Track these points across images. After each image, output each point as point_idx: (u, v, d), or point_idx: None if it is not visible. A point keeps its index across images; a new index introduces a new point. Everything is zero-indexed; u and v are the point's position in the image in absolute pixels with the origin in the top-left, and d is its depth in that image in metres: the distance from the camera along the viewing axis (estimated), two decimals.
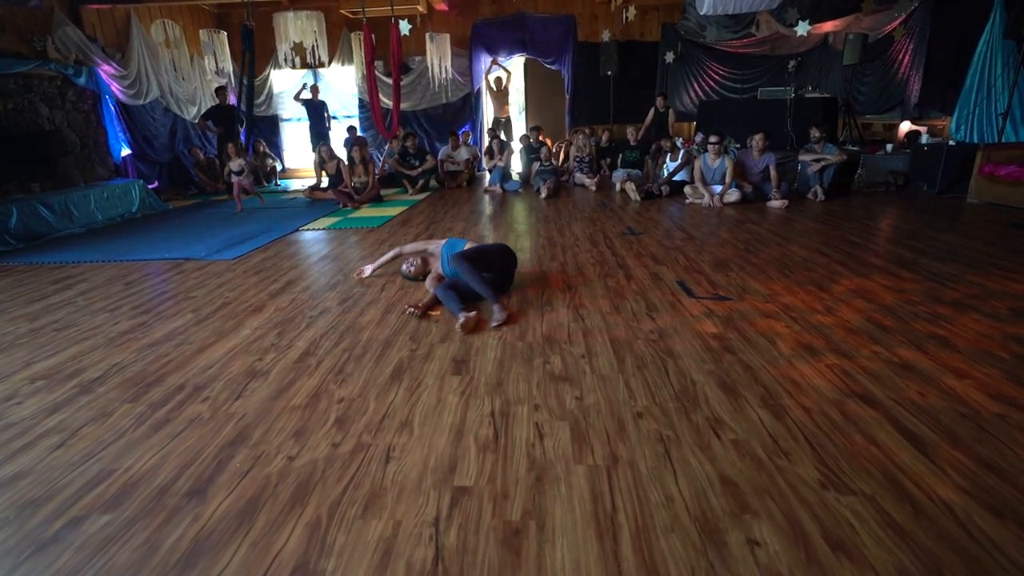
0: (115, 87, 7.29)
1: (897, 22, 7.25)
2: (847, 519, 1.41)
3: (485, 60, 9.41)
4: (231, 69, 9.24)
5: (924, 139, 6.42)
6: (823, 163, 6.11)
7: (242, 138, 8.60)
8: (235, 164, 7.02)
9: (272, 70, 9.74)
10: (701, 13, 5.98)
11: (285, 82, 10.04)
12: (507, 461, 1.71)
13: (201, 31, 8.65)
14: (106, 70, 7.09)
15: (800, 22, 7.08)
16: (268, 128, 9.96)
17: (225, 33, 8.99)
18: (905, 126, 7.47)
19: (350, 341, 2.68)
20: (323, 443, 1.84)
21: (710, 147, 6.07)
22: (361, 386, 2.22)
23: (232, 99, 9.50)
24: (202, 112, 8.55)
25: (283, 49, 7.97)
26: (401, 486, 1.61)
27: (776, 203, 5.77)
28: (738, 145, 7.06)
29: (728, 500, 1.51)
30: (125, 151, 7.51)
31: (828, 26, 8.02)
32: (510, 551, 1.37)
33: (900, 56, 7.39)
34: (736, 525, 1.42)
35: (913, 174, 6.48)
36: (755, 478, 1.59)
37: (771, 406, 1.97)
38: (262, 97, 9.72)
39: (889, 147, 6.77)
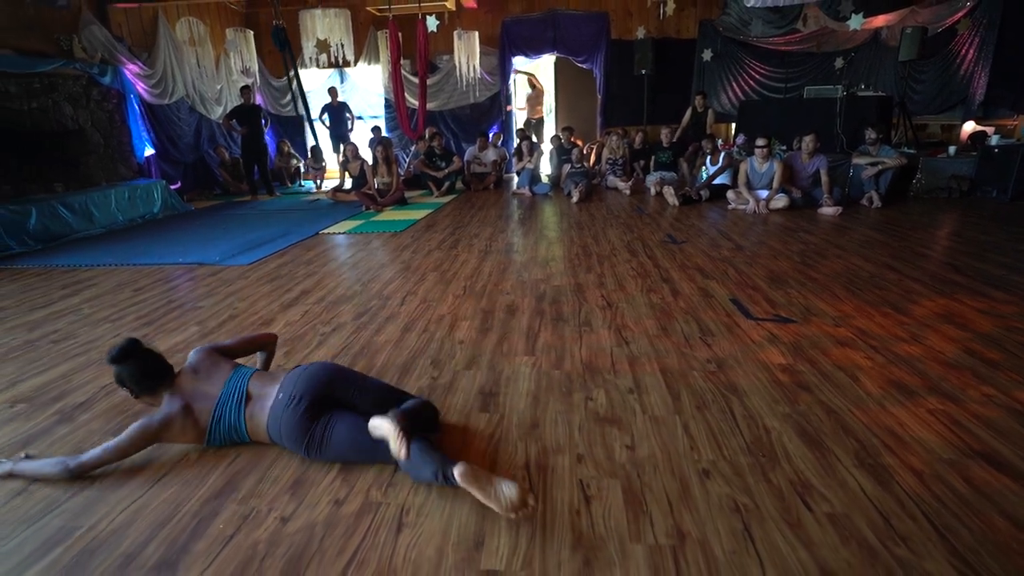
0: (140, 86, 7.18)
1: (961, 13, 6.69)
2: None
3: (514, 59, 9.10)
4: (257, 68, 9.13)
5: (994, 140, 5.87)
6: (880, 167, 5.62)
7: (268, 137, 8.46)
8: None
9: (298, 69, 9.58)
10: (748, 5, 5.55)
11: (311, 81, 9.88)
12: (547, 534, 1.38)
13: (228, 29, 8.53)
14: (131, 69, 6.99)
15: (854, 15, 6.59)
16: (292, 128, 9.81)
17: (252, 32, 8.87)
18: (969, 126, 6.90)
19: (364, 365, 2.38)
20: (324, 500, 1.53)
21: (757, 151, 5.64)
22: None
23: (259, 99, 9.38)
24: (227, 112, 8.43)
25: (308, 47, 7.79)
26: (415, 567, 1.29)
27: (828, 210, 5.32)
28: (783, 147, 6.60)
29: None
30: (148, 151, 7.41)
31: (880, 20, 7.48)
32: None
33: (963, 50, 6.82)
34: None
35: (980, 179, 5.93)
36: (868, 575, 1.23)
37: (870, 466, 1.60)
38: (288, 96, 9.58)
39: (952, 149, 6.23)
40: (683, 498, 1.50)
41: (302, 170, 9.69)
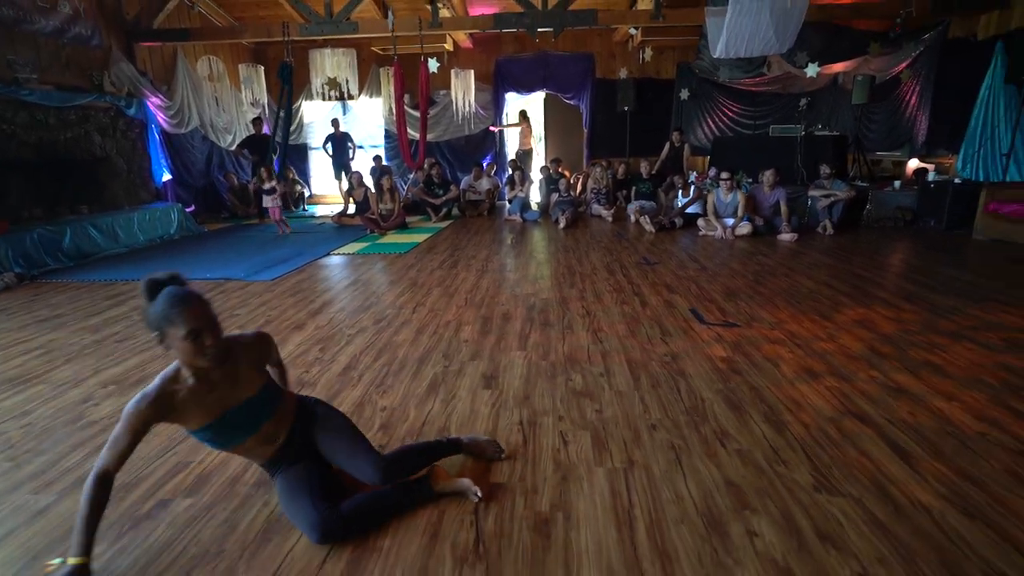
0: (160, 117, 7.77)
1: (903, 65, 7.53)
2: (835, 516, 1.61)
3: (507, 96, 9.85)
4: (266, 100, 9.78)
5: (932, 176, 6.62)
6: (832, 199, 6.33)
7: (275, 166, 9.05)
8: (267, 185, 7.47)
9: (304, 101, 10.27)
10: (714, 56, 6.31)
11: (316, 113, 10.57)
12: (535, 462, 1.93)
13: (240, 66, 9.20)
14: (153, 101, 7.58)
15: (809, 64, 7.40)
16: (297, 156, 10.44)
17: (262, 67, 9.54)
18: (913, 163, 7.68)
19: (388, 357, 2.93)
20: None
21: (722, 183, 6.33)
22: (401, 397, 2.47)
23: (266, 129, 10.01)
24: (238, 141, 9.04)
25: (317, 83, 8.46)
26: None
27: (786, 236, 5.99)
28: (750, 180, 7.31)
29: (731, 499, 1.71)
30: (166, 176, 7.96)
31: (839, 67, 8.32)
32: (541, 536, 1.58)
33: (908, 97, 7.65)
34: (738, 519, 1.62)
35: (921, 210, 6.66)
36: (756, 482, 1.80)
37: (773, 422, 2.18)
38: (293, 126, 10.22)
39: (897, 183, 6.98)
40: (635, 441, 2.06)
41: (306, 195, 10.29)
